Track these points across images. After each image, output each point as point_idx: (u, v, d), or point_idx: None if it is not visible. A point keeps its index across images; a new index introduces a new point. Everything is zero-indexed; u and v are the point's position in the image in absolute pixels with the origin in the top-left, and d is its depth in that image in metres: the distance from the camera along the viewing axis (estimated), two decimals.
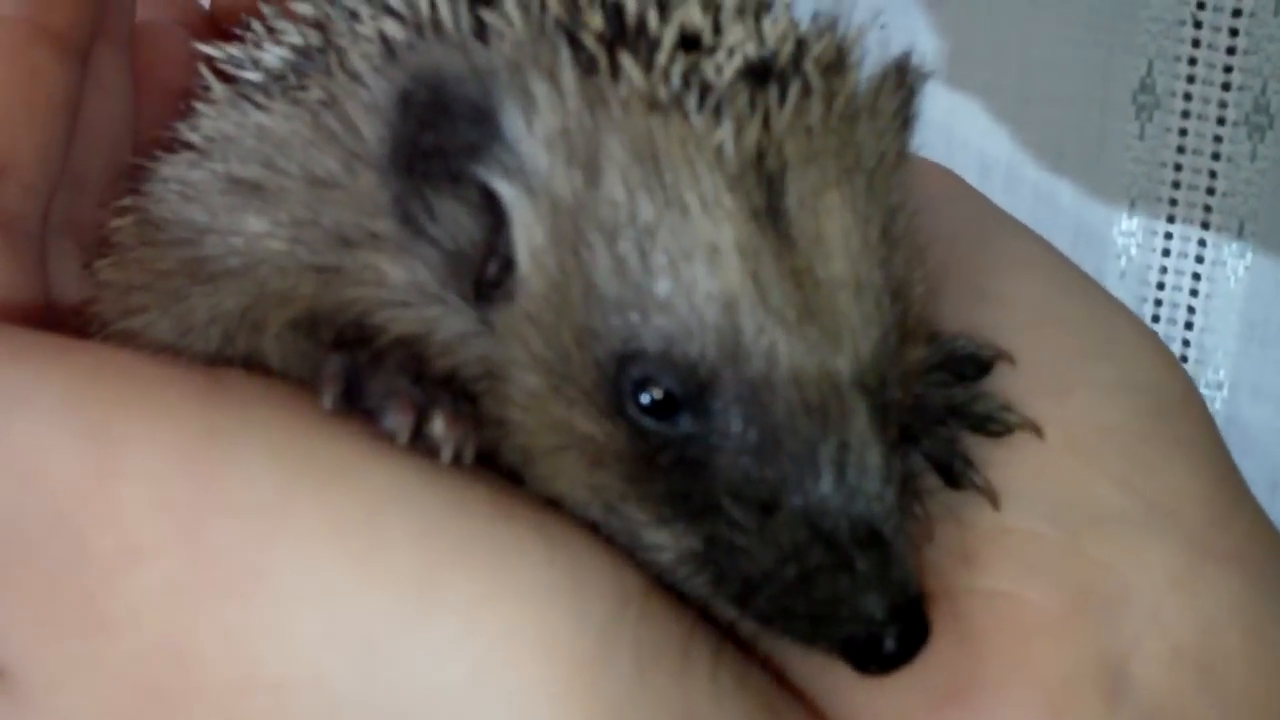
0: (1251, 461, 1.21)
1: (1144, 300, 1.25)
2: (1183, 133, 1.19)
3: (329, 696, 0.53)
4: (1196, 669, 0.61)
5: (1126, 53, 1.18)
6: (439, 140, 0.58)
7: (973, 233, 0.71)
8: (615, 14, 0.59)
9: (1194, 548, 0.63)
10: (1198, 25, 1.15)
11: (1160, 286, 1.24)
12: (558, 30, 0.57)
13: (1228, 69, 1.16)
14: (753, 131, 0.57)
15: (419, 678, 0.53)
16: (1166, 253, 1.24)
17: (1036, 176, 1.25)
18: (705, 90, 0.57)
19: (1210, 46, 1.16)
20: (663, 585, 0.60)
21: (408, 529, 0.54)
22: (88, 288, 0.69)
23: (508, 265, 0.59)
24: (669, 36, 0.58)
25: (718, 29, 0.59)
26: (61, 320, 0.67)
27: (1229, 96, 1.16)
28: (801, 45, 0.61)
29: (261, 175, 0.64)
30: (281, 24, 0.69)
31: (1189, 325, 1.25)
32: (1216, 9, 1.15)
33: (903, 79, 0.65)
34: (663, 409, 0.57)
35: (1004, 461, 0.64)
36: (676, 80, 0.57)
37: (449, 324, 0.60)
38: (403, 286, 0.60)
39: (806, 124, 0.59)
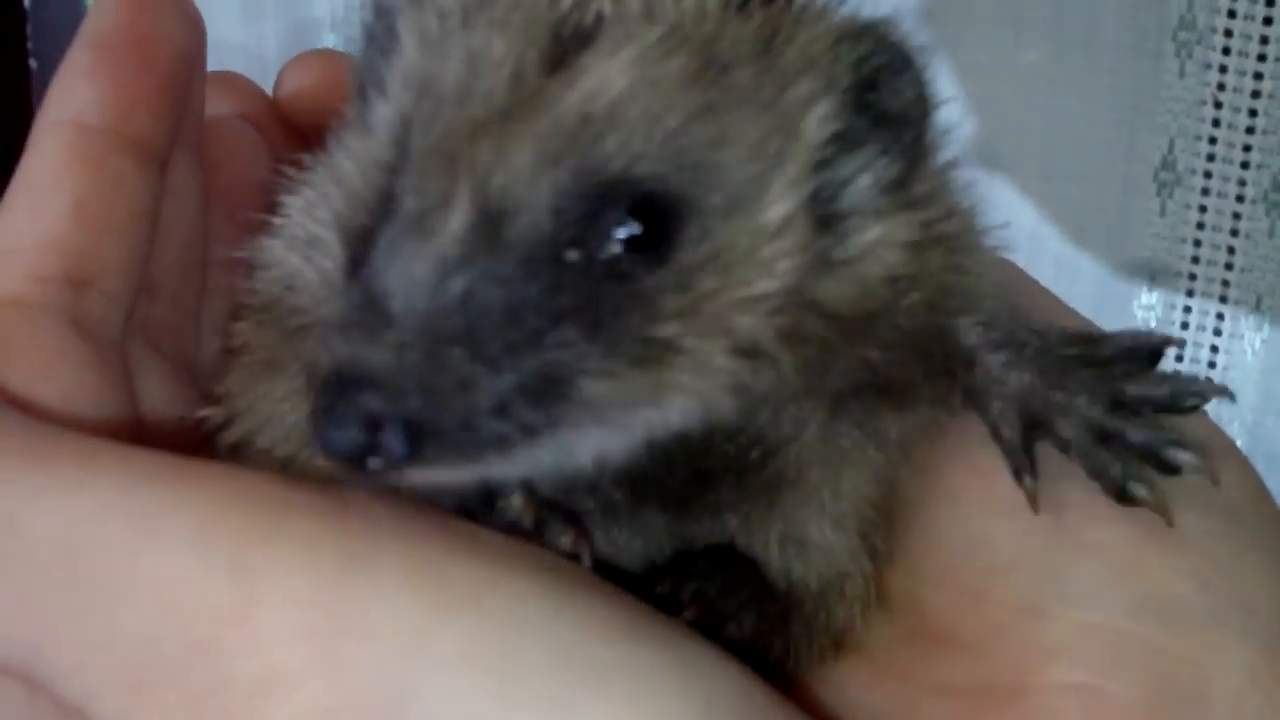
0: None
1: None
2: (1203, 209, 1.22)
3: None
4: None
5: (1149, 132, 1.21)
6: (379, 55, 0.63)
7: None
8: None
9: (1270, 644, 0.64)
10: (1218, 105, 1.19)
11: (1179, 359, 1.26)
12: None
13: (1247, 148, 1.19)
14: None
15: None
16: (1185, 326, 1.26)
17: (1059, 250, 1.27)
18: None
19: (1230, 126, 1.19)
20: (790, 698, 0.61)
21: (545, 654, 0.54)
22: (171, 395, 0.70)
23: None
24: None
25: None
26: (149, 430, 0.68)
27: (1248, 175, 1.19)
28: None
29: (318, 230, 0.67)
30: None
31: None
32: (1236, 90, 1.18)
33: (863, 36, 0.63)
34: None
35: (1084, 559, 0.65)
36: None
37: None
38: None
39: None
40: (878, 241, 0.63)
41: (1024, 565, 0.66)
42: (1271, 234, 1.20)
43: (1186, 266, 1.24)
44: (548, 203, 0.56)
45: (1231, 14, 1.16)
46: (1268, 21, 1.15)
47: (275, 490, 0.57)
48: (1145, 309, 1.27)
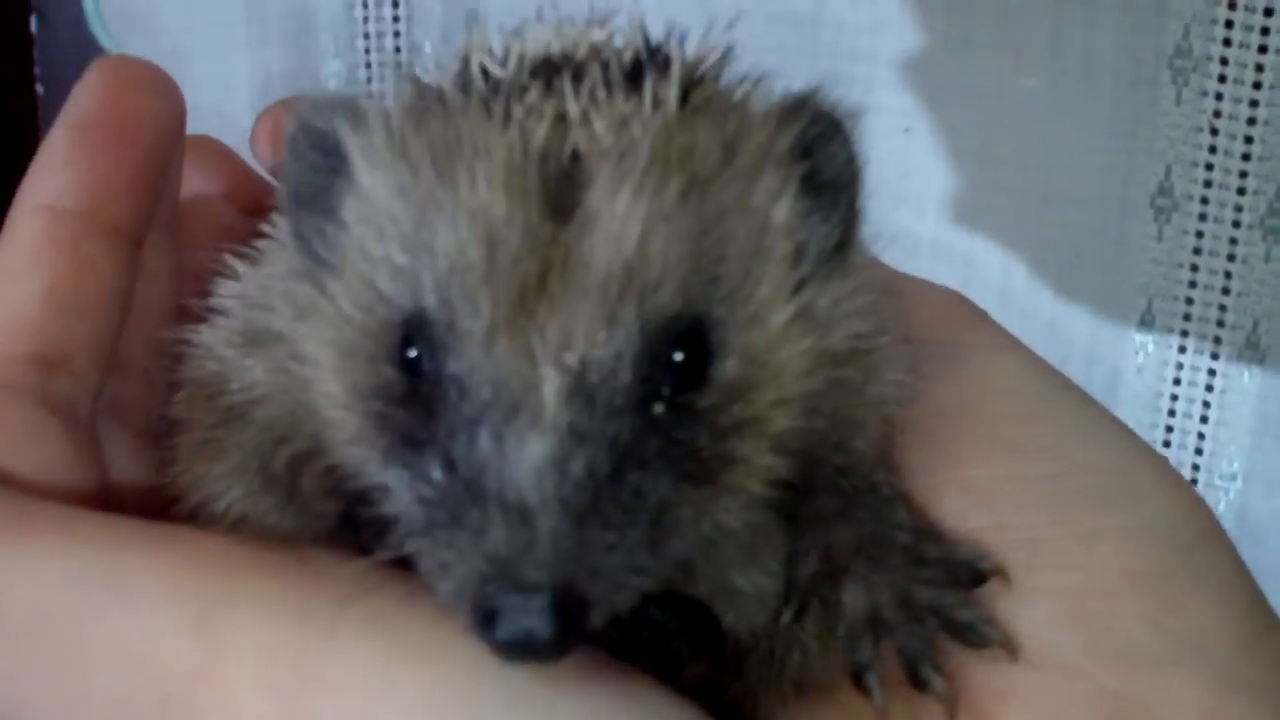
0: (1263, 551, 1.25)
1: (1160, 395, 1.29)
2: (1199, 235, 1.24)
3: None
4: None
5: (1146, 158, 1.23)
6: (315, 175, 0.65)
7: (992, 373, 0.74)
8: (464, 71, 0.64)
9: (1223, 680, 0.65)
10: (1214, 133, 1.20)
11: (1177, 382, 1.28)
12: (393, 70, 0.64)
13: (1243, 174, 1.21)
14: (542, 120, 0.60)
15: None
16: (1183, 349, 1.28)
17: (1058, 272, 1.29)
18: (496, 87, 0.62)
19: (1226, 153, 1.21)
20: None
21: (502, 701, 0.57)
22: (141, 465, 0.73)
23: None
24: (477, 58, 0.64)
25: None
26: (120, 499, 0.71)
27: (1244, 201, 1.21)
28: (622, 46, 0.65)
29: (259, 324, 0.69)
30: None
31: (1204, 419, 1.29)
32: (1232, 117, 1.19)
33: (799, 112, 0.66)
34: (417, 362, 0.60)
35: (1038, 604, 0.67)
36: (477, 83, 0.63)
37: None
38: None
39: (618, 115, 0.61)
40: (832, 310, 0.66)
41: None
42: (1268, 258, 1.22)
43: (1184, 291, 1.25)
44: (624, 360, 0.58)
45: (1227, 42, 1.18)
46: (1263, 50, 1.17)
47: (237, 552, 0.61)
48: (1139, 347, 1.29)
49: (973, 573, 0.67)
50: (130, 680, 0.58)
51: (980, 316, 0.77)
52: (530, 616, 0.54)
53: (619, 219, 0.59)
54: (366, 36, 1.47)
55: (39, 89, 1.57)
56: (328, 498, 0.68)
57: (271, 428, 0.69)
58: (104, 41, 1.47)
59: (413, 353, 0.60)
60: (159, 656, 0.58)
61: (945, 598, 0.66)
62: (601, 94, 0.62)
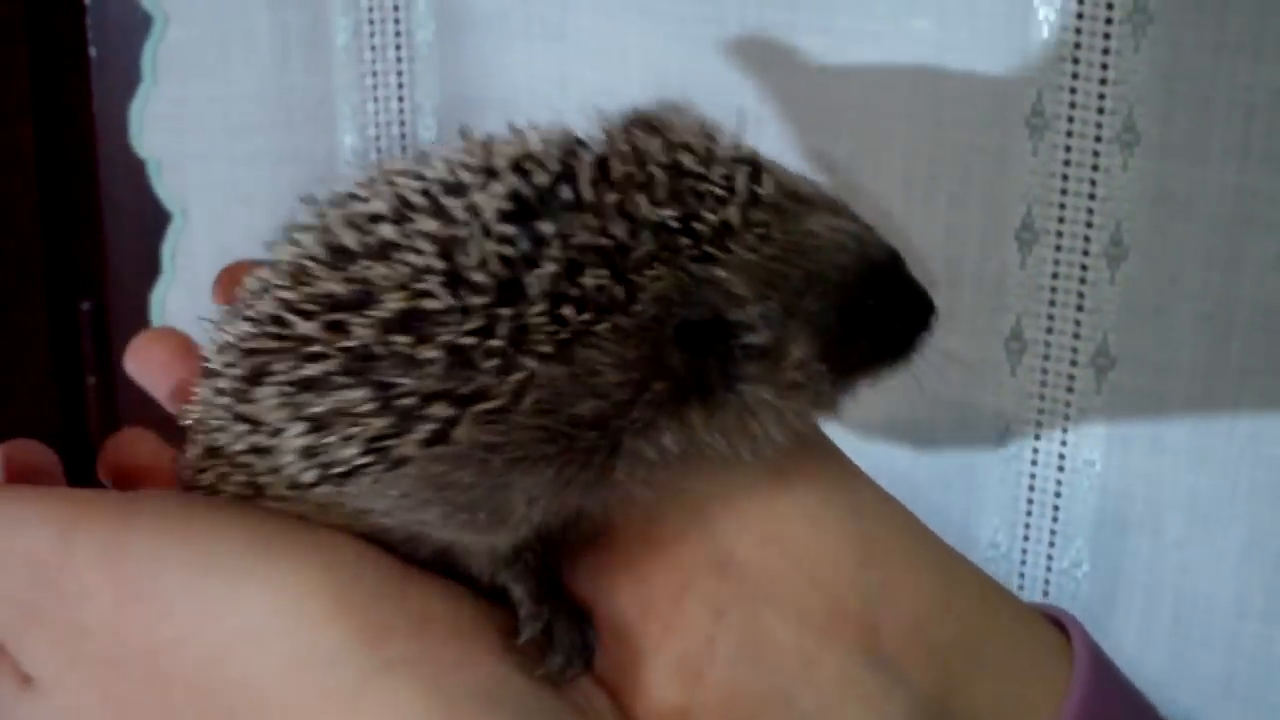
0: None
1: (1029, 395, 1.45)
2: (1068, 149, 1.39)
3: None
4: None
5: (1020, 84, 1.40)
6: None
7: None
8: (687, 226, 0.78)
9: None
10: (1075, 61, 1.36)
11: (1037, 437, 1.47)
12: (681, 255, 0.78)
13: (1102, 96, 1.36)
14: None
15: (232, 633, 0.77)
16: (1059, 248, 1.43)
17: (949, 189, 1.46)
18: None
19: (1087, 79, 1.36)
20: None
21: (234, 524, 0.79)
22: None
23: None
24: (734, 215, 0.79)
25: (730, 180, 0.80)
26: None
27: (1104, 119, 1.37)
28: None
29: None
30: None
31: (1065, 428, 1.45)
32: (1090, 48, 1.35)
33: None
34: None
35: None
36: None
37: None
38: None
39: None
40: None
41: None
42: (1112, 281, 1.38)
43: (1057, 197, 1.40)
44: None
45: (1073, 105, 1.36)
46: (1100, 111, 1.35)
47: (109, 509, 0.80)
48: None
49: None
50: (20, 581, 0.78)
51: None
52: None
53: None
54: None
55: (92, 52, 1.63)
56: None
57: None
58: (147, 5, 1.55)
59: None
60: (55, 574, 0.77)
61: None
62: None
